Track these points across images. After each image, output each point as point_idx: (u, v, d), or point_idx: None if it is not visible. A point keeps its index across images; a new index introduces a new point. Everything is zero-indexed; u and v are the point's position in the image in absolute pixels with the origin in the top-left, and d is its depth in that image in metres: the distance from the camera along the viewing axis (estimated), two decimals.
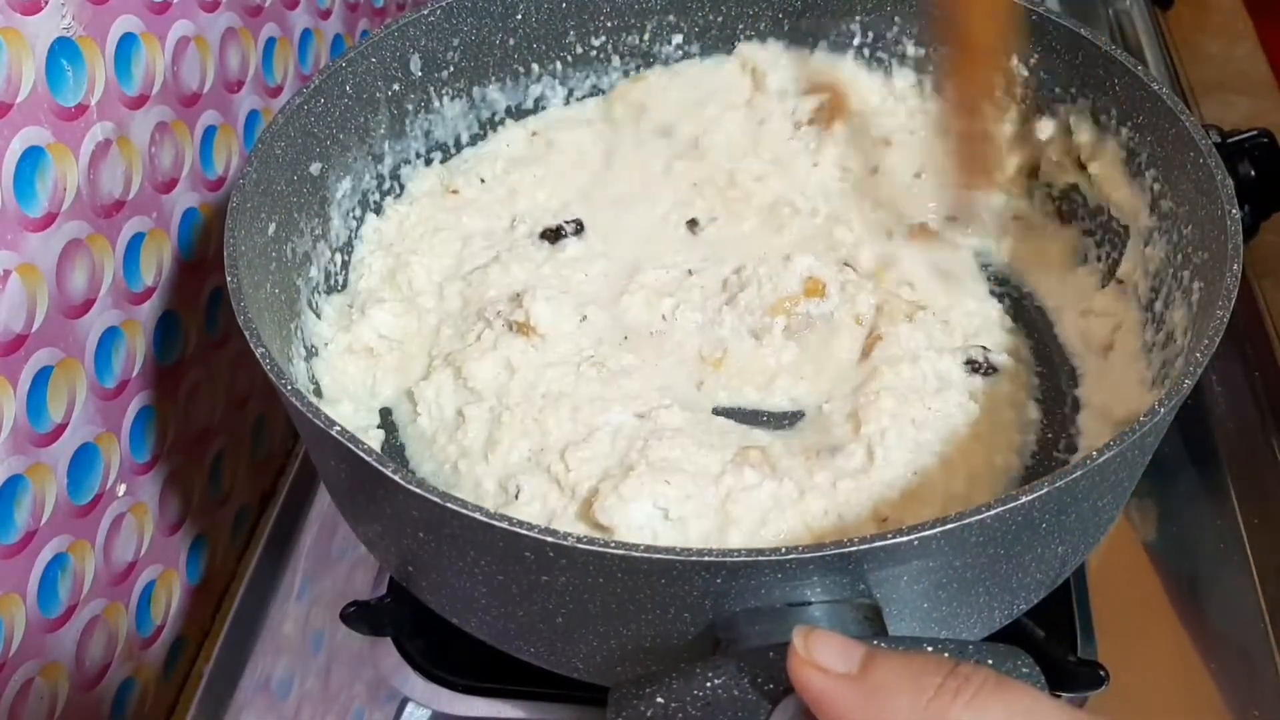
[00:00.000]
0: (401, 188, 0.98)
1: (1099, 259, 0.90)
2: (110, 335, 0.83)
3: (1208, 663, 0.84)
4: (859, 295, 0.87)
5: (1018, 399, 0.83)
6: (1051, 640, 0.80)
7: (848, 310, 0.86)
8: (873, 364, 0.83)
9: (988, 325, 0.87)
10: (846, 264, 0.91)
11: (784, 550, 0.55)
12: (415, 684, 0.85)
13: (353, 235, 0.94)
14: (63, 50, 0.77)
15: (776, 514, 0.74)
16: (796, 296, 0.86)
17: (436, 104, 0.98)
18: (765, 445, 0.79)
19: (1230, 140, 0.95)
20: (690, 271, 0.91)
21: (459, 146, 1.01)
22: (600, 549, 0.55)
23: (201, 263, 0.94)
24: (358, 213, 0.94)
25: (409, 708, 0.84)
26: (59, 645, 0.81)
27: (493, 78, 1.00)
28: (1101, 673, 0.78)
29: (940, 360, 0.82)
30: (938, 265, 0.91)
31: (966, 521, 0.56)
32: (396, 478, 0.59)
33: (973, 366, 0.83)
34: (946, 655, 0.53)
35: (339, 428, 0.61)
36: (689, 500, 0.74)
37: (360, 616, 0.84)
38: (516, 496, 0.76)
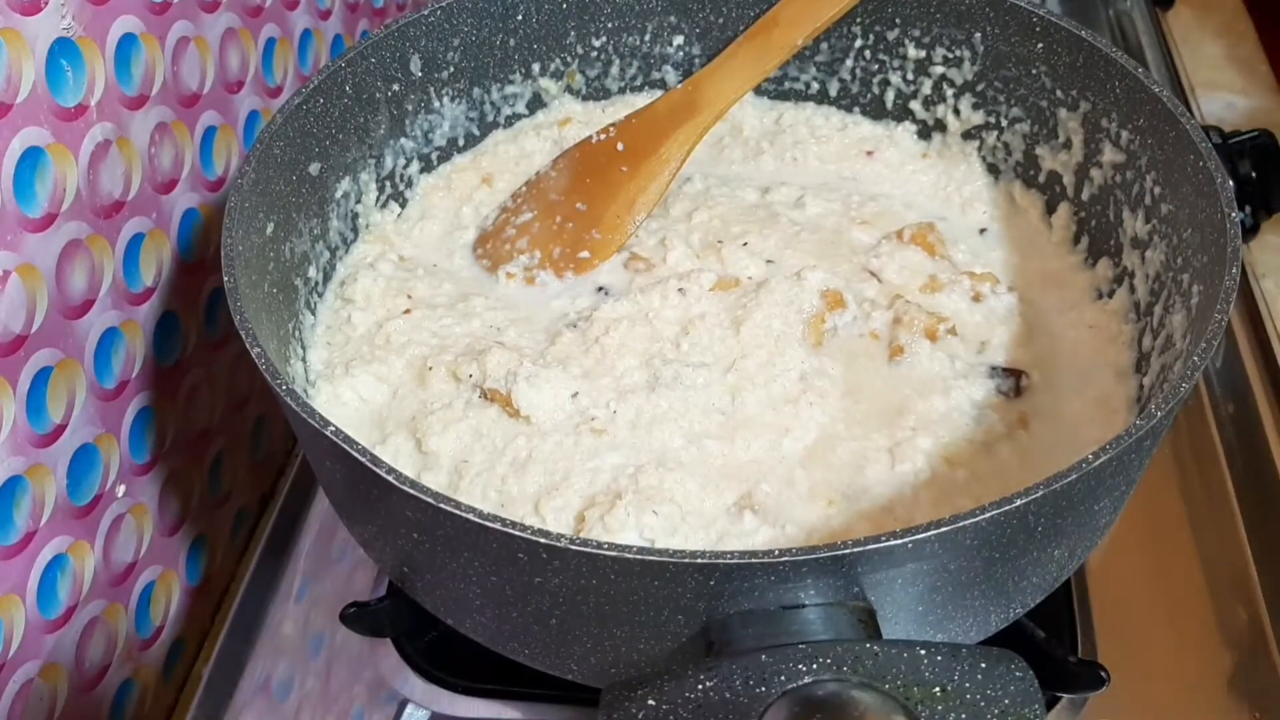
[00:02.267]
0: (401, 195, 0.98)
1: (1092, 264, 0.90)
2: (110, 336, 0.84)
3: (1208, 663, 0.84)
4: (874, 312, 0.85)
5: (1054, 412, 0.82)
6: (1051, 641, 0.80)
7: (864, 326, 0.85)
8: (903, 391, 0.81)
9: (1008, 331, 0.86)
10: (872, 272, 0.89)
11: (777, 553, 0.55)
12: (415, 685, 0.85)
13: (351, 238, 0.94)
14: (62, 51, 0.77)
15: None
16: (823, 313, 0.85)
17: (436, 104, 0.98)
18: (775, 493, 0.75)
19: (1231, 141, 0.95)
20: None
21: (459, 148, 1.02)
22: (593, 550, 0.55)
23: (201, 263, 0.95)
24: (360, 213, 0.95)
25: (408, 709, 0.84)
26: (58, 646, 0.81)
27: (493, 79, 1.00)
28: (1102, 673, 0.78)
29: (972, 388, 0.81)
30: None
31: (961, 524, 0.55)
32: (390, 479, 0.59)
33: (1004, 395, 0.81)
34: (940, 658, 0.53)
35: (333, 428, 0.61)
36: (675, 535, 0.73)
37: (360, 618, 0.84)
38: None
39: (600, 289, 0.90)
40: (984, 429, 0.78)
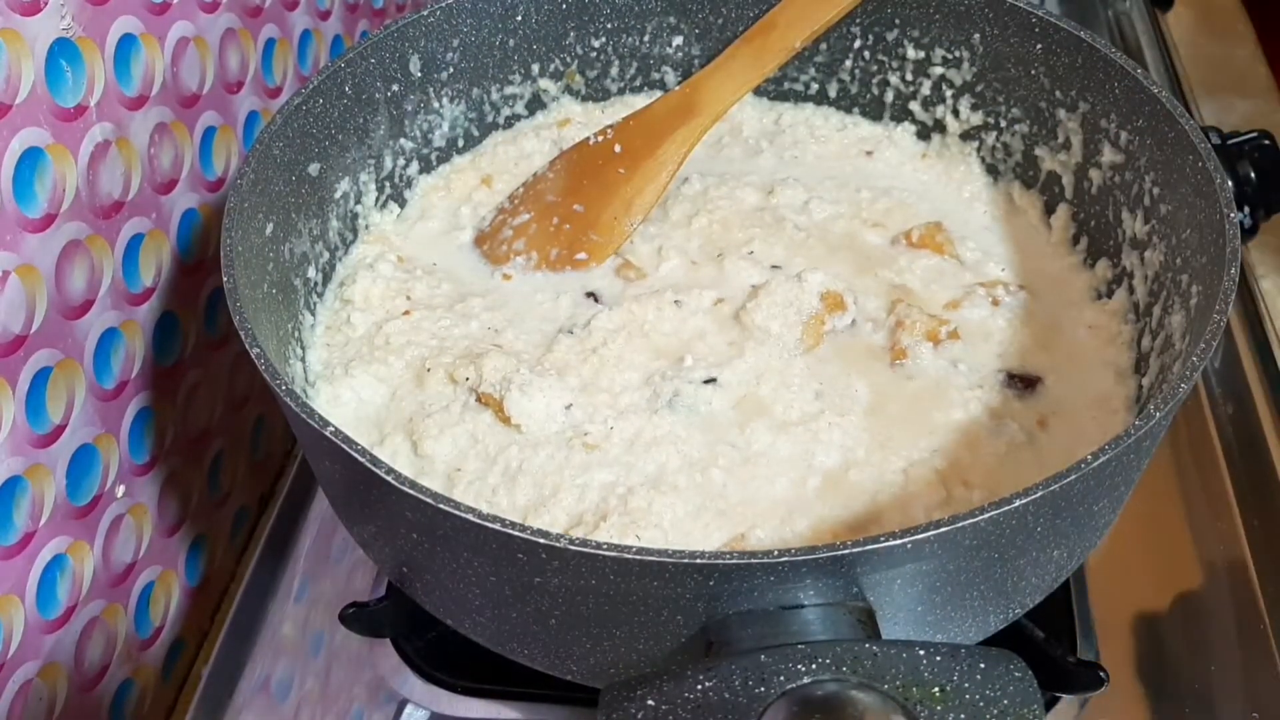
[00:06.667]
0: (400, 195, 0.98)
1: (1091, 265, 0.90)
2: (109, 336, 0.84)
3: (1208, 663, 0.84)
4: (874, 315, 0.85)
5: (1064, 412, 0.81)
6: (1051, 641, 0.80)
7: (864, 328, 0.85)
8: (921, 406, 0.80)
9: (1028, 333, 0.85)
10: (898, 287, 0.88)
11: (776, 553, 0.55)
12: (414, 685, 0.85)
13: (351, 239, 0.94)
14: (62, 51, 0.77)
15: None
16: (822, 314, 0.85)
17: (436, 105, 0.98)
18: (767, 538, 0.73)
19: (1230, 142, 0.94)
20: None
21: (458, 149, 1.02)
22: (592, 550, 0.55)
23: (201, 264, 0.95)
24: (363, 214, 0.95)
25: (408, 709, 0.84)
26: (58, 646, 0.81)
27: (493, 79, 1.00)
28: (1101, 673, 0.78)
29: (987, 394, 0.80)
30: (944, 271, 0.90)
31: (960, 525, 0.56)
32: (390, 479, 0.59)
33: (1021, 400, 0.81)
34: (939, 659, 0.53)
35: (333, 428, 0.61)
36: None
37: (359, 618, 0.84)
38: None
39: (589, 294, 0.90)
40: (1005, 440, 0.78)
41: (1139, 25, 1.43)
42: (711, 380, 0.81)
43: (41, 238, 0.76)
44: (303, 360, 0.85)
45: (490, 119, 1.02)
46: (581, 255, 0.92)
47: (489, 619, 0.67)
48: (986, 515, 0.56)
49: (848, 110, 1.05)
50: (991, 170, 0.98)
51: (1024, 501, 0.57)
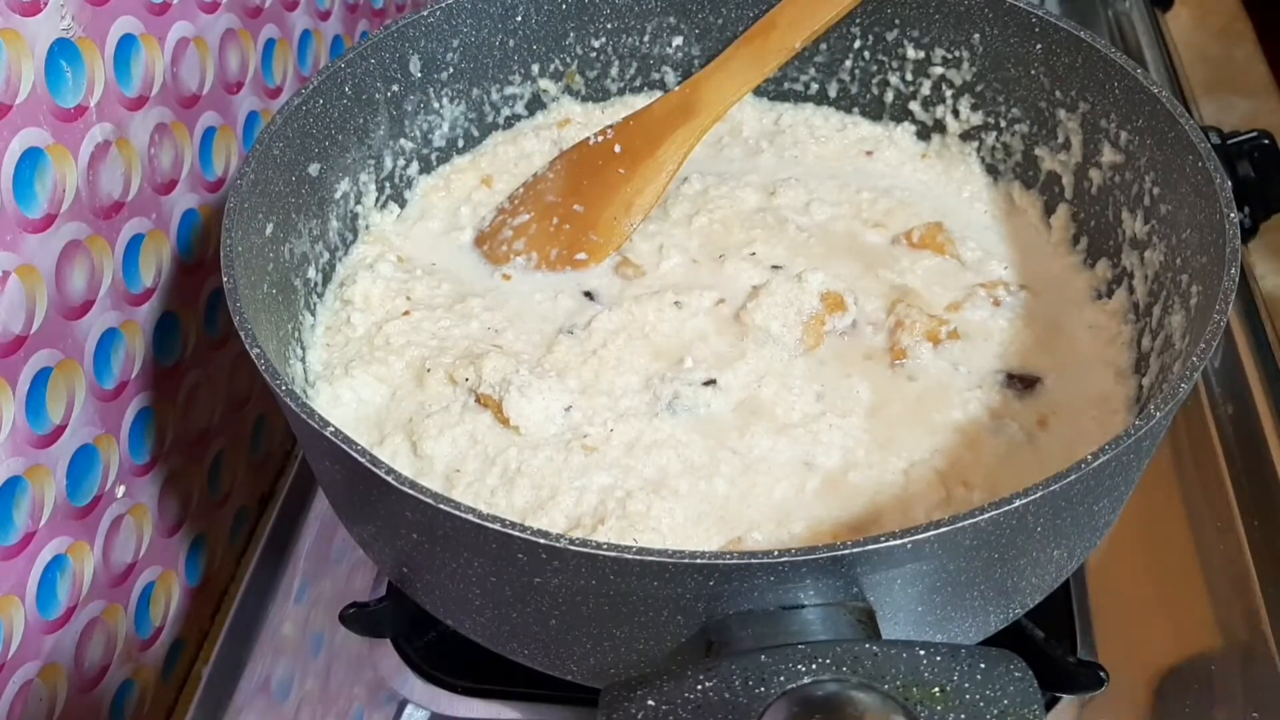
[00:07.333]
0: (401, 195, 0.98)
1: (1091, 265, 0.90)
2: (109, 336, 0.84)
3: (1208, 663, 0.84)
4: (873, 315, 0.85)
5: (1064, 412, 0.81)
6: (1051, 641, 0.80)
7: (864, 329, 0.85)
8: (922, 407, 0.80)
9: (1031, 334, 0.85)
10: (902, 288, 0.88)
11: (776, 553, 0.55)
12: (414, 685, 0.85)
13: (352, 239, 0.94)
14: (62, 51, 0.77)
15: None
16: (823, 315, 0.84)
17: (436, 105, 0.98)
18: (765, 540, 0.72)
19: (1230, 141, 0.95)
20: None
21: (458, 149, 1.02)
22: (592, 550, 0.55)
23: (201, 264, 0.95)
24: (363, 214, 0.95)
25: (408, 709, 0.84)
26: (58, 646, 0.81)
27: (493, 80, 1.00)
28: (1101, 673, 0.78)
29: (987, 394, 0.80)
30: (944, 271, 0.90)
31: (960, 525, 0.56)
32: (390, 479, 0.59)
33: (1020, 400, 0.80)
34: (939, 659, 0.53)
35: (333, 428, 0.61)
36: None
37: (359, 618, 0.84)
38: None
39: (586, 293, 0.90)
40: (1005, 440, 0.78)
41: (1139, 25, 1.43)
42: (711, 382, 0.81)
43: (41, 238, 0.76)
44: (303, 360, 0.85)
45: (490, 119, 1.02)
46: (581, 255, 0.92)
47: (489, 619, 0.67)
48: (986, 515, 0.56)
49: (848, 110, 1.05)
50: (991, 170, 0.98)
51: (1024, 501, 0.57)
